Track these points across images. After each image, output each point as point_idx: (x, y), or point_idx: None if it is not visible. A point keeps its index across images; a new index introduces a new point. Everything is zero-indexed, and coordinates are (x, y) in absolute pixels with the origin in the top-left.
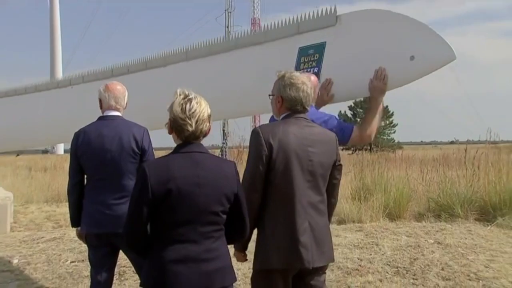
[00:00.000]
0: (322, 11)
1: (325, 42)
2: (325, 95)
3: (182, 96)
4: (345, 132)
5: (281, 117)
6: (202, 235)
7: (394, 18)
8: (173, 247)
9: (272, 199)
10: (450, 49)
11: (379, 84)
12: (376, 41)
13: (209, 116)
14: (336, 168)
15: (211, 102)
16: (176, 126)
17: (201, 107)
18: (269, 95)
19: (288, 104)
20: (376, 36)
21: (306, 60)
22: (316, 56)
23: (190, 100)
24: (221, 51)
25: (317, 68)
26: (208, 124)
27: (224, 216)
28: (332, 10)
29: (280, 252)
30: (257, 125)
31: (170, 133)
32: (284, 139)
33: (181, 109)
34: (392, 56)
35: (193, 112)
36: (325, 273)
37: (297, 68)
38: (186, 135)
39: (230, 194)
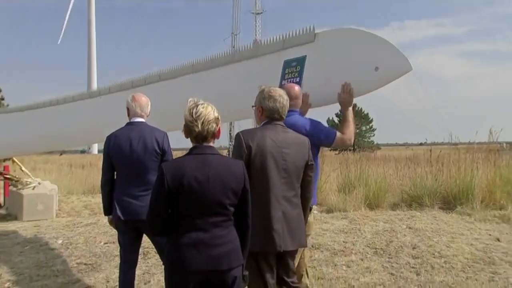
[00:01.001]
0: (302, 29)
1: (306, 55)
2: (304, 105)
3: (191, 103)
4: (329, 136)
5: (262, 124)
6: (212, 224)
7: (362, 35)
8: (187, 234)
9: (252, 193)
10: (407, 62)
11: (346, 96)
12: (348, 54)
13: (216, 118)
14: (308, 167)
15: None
16: (186, 128)
17: (207, 110)
18: (252, 106)
19: (268, 113)
20: (348, 50)
21: (289, 71)
22: (298, 68)
23: (197, 105)
24: (222, 64)
25: (298, 78)
26: (215, 126)
27: (232, 209)
28: (311, 29)
29: (258, 238)
30: None
31: (186, 137)
32: (261, 142)
33: (189, 113)
34: (360, 67)
35: (199, 115)
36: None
37: (283, 78)
38: (194, 135)
39: (237, 189)
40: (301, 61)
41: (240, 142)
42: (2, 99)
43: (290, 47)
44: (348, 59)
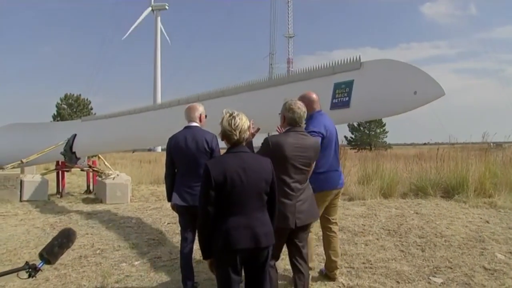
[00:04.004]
0: (350, 58)
1: (353, 80)
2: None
3: (228, 115)
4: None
5: (285, 130)
6: (251, 209)
7: (402, 65)
8: (231, 218)
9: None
10: (441, 88)
11: None
12: (390, 80)
13: (248, 127)
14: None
15: (266, 123)
16: (225, 135)
17: (242, 121)
18: (279, 114)
19: (289, 121)
20: (390, 77)
21: (339, 92)
22: (347, 89)
23: (234, 117)
24: (277, 84)
25: (347, 98)
26: (248, 133)
27: (266, 196)
28: (358, 58)
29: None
30: None
31: (222, 140)
32: (283, 144)
33: (228, 123)
34: (401, 90)
35: (236, 126)
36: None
37: (333, 97)
38: (233, 142)
39: (269, 180)
40: (349, 84)
41: (268, 143)
42: (91, 109)
43: (338, 72)
44: (390, 84)
